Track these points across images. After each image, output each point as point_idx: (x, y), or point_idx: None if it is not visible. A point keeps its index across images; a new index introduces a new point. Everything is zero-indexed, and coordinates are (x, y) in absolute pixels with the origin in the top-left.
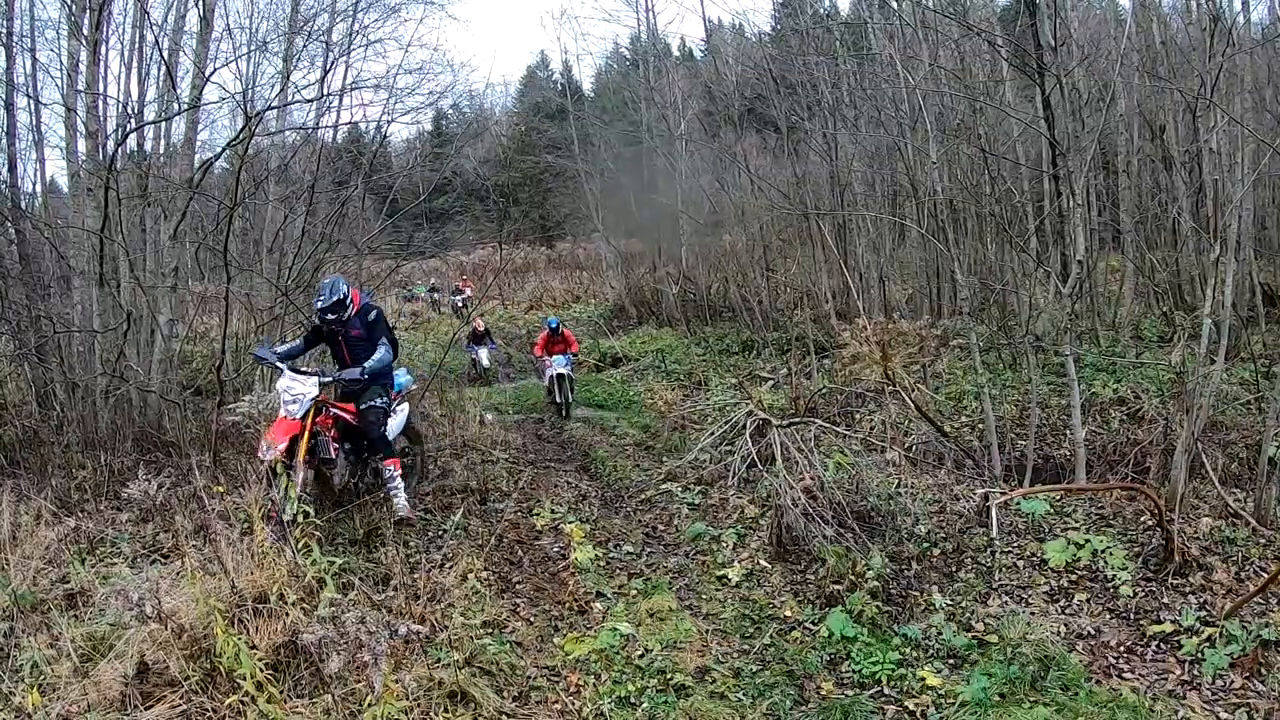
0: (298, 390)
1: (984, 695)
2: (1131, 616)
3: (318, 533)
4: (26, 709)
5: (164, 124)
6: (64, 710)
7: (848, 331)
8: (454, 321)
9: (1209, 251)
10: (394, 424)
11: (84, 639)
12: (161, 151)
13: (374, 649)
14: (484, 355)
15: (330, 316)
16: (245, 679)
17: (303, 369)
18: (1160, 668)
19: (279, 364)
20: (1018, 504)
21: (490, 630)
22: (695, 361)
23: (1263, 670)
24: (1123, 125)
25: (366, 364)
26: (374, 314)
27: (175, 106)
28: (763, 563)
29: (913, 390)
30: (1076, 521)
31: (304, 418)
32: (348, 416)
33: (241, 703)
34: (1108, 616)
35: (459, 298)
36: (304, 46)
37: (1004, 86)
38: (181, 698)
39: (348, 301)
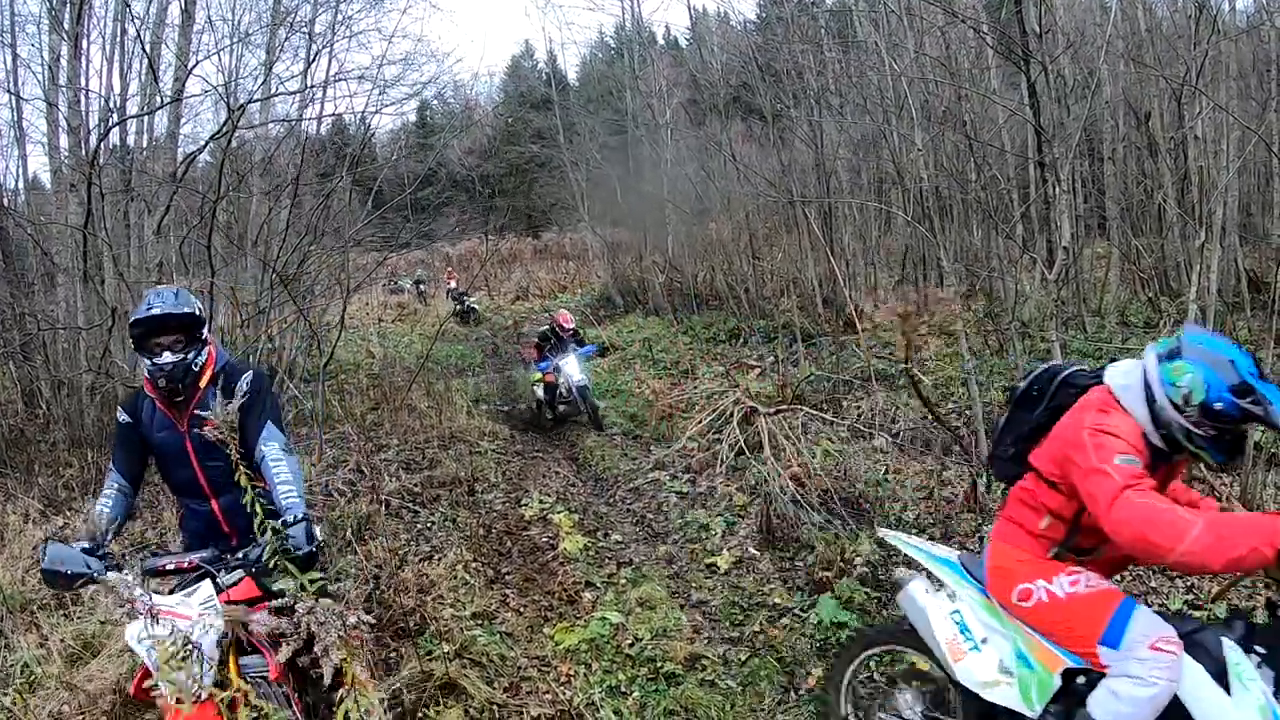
0: (183, 626)
1: None
2: None
3: None
4: (17, 709)
5: (147, 118)
6: (55, 709)
7: (851, 308)
8: (440, 314)
9: (1194, 238)
10: None
11: (73, 638)
12: (144, 146)
13: (324, 640)
14: (574, 367)
15: (168, 361)
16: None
17: (167, 563)
18: None
19: (106, 575)
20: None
21: (480, 621)
22: (682, 350)
23: None
24: (1108, 112)
25: (288, 514)
26: (247, 381)
27: (158, 100)
28: (752, 550)
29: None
30: None
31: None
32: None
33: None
34: None
35: (469, 299)
36: (287, 38)
37: (989, 74)
38: None
39: (202, 335)
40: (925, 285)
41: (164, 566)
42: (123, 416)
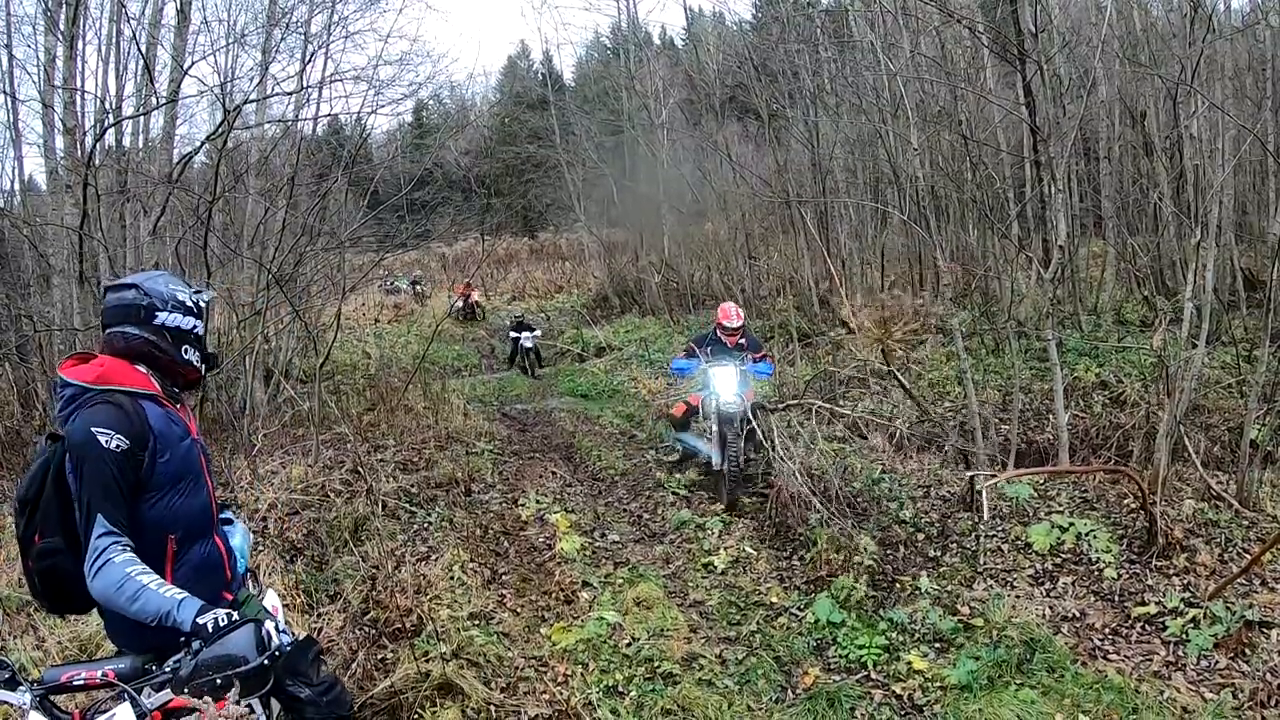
0: None
1: (971, 678)
2: (1116, 599)
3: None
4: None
5: (142, 119)
6: None
7: (845, 308)
8: (436, 315)
9: (1190, 236)
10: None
11: (70, 640)
12: (140, 147)
13: None
14: (731, 385)
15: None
16: None
17: (75, 677)
18: (1145, 649)
19: None
20: (1001, 488)
21: (477, 622)
22: (678, 350)
23: (1247, 650)
24: (1104, 111)
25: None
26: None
27: (153, 101)
28: (748, 549)
29: (903, 371)
30: (1060, 505)
31: None
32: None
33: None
34: (1092, 599)
35: (535, 334)
36: (282, 39)
37: (985, 73)
38: None
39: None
40: (920, 286)
41: (71, 680)
42: (119, 442)
